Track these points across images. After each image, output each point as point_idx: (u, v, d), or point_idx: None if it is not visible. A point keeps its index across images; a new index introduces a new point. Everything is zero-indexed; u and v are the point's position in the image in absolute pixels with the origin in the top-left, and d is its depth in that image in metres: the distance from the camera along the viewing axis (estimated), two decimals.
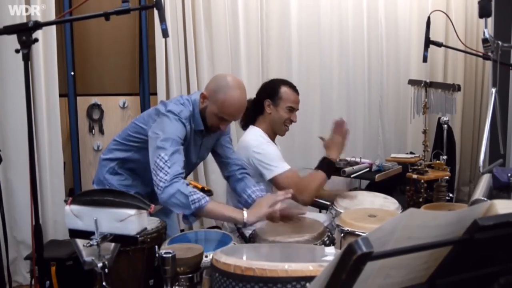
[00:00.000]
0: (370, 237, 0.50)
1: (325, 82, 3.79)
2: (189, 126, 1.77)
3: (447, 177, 2.50)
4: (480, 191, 1.20)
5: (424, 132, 2.88)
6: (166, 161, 1.60)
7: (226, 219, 1.77)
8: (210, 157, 2.12)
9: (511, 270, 0.68)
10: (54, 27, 2.84)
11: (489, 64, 3.15)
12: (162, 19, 1.58)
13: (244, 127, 2.27)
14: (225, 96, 1.72)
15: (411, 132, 4.15)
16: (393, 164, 2.90)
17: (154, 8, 1.57)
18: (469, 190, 4.50)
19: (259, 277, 1.05)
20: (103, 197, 1.27)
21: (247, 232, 1.91)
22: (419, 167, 2.51)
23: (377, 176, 2.71)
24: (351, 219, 1.62)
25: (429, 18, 2.32)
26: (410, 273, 0.64)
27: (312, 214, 2.18)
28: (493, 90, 1.79)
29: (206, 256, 1.39)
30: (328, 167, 2.04)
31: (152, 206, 1.27)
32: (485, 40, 1.78)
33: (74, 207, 1.28)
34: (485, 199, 1.13)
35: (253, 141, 2.11)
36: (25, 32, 1.47)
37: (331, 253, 1.26)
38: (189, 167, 1.92)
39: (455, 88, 2.82)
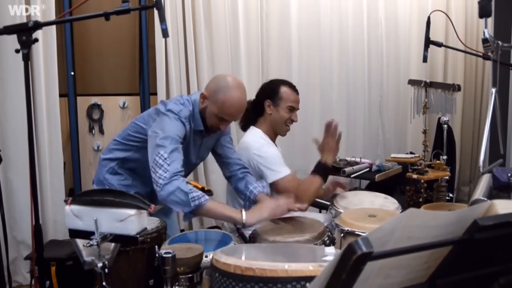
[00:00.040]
0: (370, 237, 0.50)
1: (325, 82, 3.79)
2: (188, 126, 1.77)
3: (447, 177, 2.50)
4: (480, 191, 1.21)
5: (424, 132, 2.88)
6: (165, 158, 1.60)
7: (225, 219, 1.78)
8: (210, 157, 2.12)
9: (511, 270, 0.68)
10: (54, 27, 2.84)
11: (489, 64, 3.15)
12: (162, 19, 1.58)
13: (244, 128, 2.27)
14: (225, 97, 1.72)
15: (411, 132, 4.15)
16: (393, 164, 2.90)
17: (154, 8, 1.57)
18: (469, 190, 4.50)
19: (259, 277, 1.05)
20: (103, 197, 1.27)
21: (247, 232, 1.91)
22: (419, 167, 2.51)
23: (377, 176, 2.71)
24: (351, 219, 1.62)
25: (429, 18, 2.32)
26: (410, 273, 0.64)
27: (312, 214, 2.18)
28: (493, 90, 1.79)
29: (206, 256, 1.39)
30: (324, 171, 2.06)
31: (152, 206, 1.27)
32: (485, 40, 1.78)
33: (74, 207, 1.28)
34: (485, 199, 1.13)
35: (254, 142, 2.11)
36: (25, 32, 1.47)
37: (331, 253, 1.26)
38: (189, 167, 1.92)
39: (455, 88, 2.82)
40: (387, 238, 0.55)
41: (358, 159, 2.87)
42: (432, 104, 2.88)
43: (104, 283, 1.26)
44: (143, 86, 3.27)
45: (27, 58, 1.49)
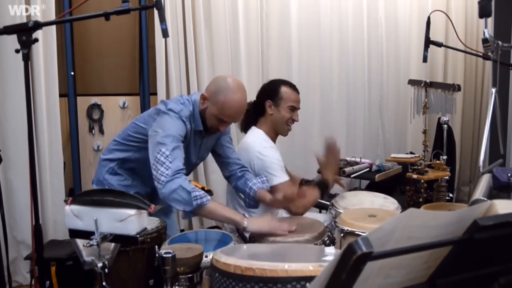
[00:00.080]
0: (370, 237, 0.50)
1: (325, 82, 3.79)
2: (189, 125, 1.77)
3: (447, 177, 2.50)
4: (480, 191, 1.20)
5: (424, 132, 2.88)
6: (167, 156, 1.59)
7: (226, 220, 1.77)
8: (210, 157, 2.12)
9: (511, 270, 0.68)
10: (54, 27, 2.84)
11: (489, 64, 3.15)
12: (162, 19, 1.58)
13: (245, 129, 2.26)
14: (225, 98, 1.72)
15: (411, 132, 4.15)
16: (393, 164, 2.90)
17: (154, 8, 1.57)
18: (469, 190, 4.50)
19: (259, 277, 1.05)
20: (103, 197, 1.27)
21: (247, 232, 1.91)
22: (419, 167, 2.51)
23: (377, 176, 2.71)
24: (351, 219, 1.62)
25: (429, 18, 2.32)
26: (410, 273, 0.63)
27: (312, 214, 2.18)
28: (493, 90, 1.79)
29: (206, 256, 1.39)
30: (322, 187, 2.09)
31: (152, 206, 1.27)
32: (485, 40, 1.78)
33: (74, 207, 1.28)
34: (485, 199, 1.13)
35: (255, 143, 2.11)
36: (25, 32, 1.47)
37: (331, 253, 1.26)
38: (189, 167, 1.92)
39: (455, 88, 2.82)
40: (387, 238, 0.55)
41: (358, 159, 2.88)
42: (432, 104, 2.88)
43: (104, 283, 1.26)
44: (143, 86, 3.27)
45: (27, 58, 1.49)
